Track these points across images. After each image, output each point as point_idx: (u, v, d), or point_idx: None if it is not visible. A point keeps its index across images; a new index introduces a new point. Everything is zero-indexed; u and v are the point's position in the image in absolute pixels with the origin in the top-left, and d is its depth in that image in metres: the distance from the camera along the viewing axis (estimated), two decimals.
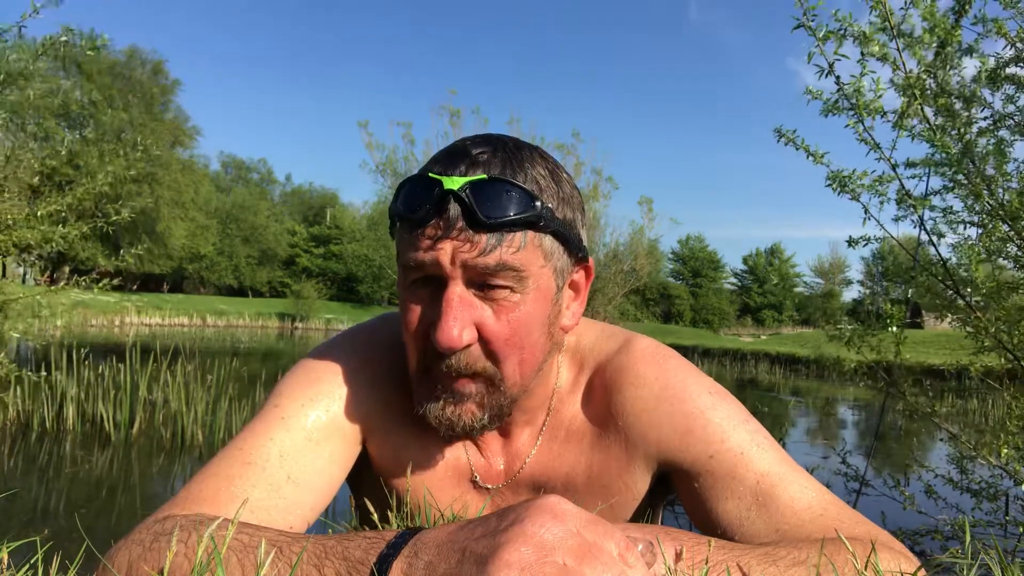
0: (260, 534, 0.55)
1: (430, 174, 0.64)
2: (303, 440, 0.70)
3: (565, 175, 0.70)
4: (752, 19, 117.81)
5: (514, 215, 0.62)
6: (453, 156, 0.65)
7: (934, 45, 2.06)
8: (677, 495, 0.76)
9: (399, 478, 0.76)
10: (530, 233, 0.64)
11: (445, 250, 0.62)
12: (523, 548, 0.41)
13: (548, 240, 0.66)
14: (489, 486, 0.77)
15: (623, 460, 0.74)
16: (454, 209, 0.61)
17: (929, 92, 2.12)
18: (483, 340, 0.65)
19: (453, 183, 0.61)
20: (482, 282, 0.64)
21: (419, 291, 0.66)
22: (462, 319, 0.63)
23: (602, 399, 0.76)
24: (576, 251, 0.70)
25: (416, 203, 0.63)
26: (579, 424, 0.77)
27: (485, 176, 0.62)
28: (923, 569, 0.62)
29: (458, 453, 0.78)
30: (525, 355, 0.67)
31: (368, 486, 0.79)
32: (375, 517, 0.73)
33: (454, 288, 0.63)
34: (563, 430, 0.77)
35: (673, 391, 0.73)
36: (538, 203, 0.64)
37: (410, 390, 0.72)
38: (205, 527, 0.55)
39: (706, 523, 0.70)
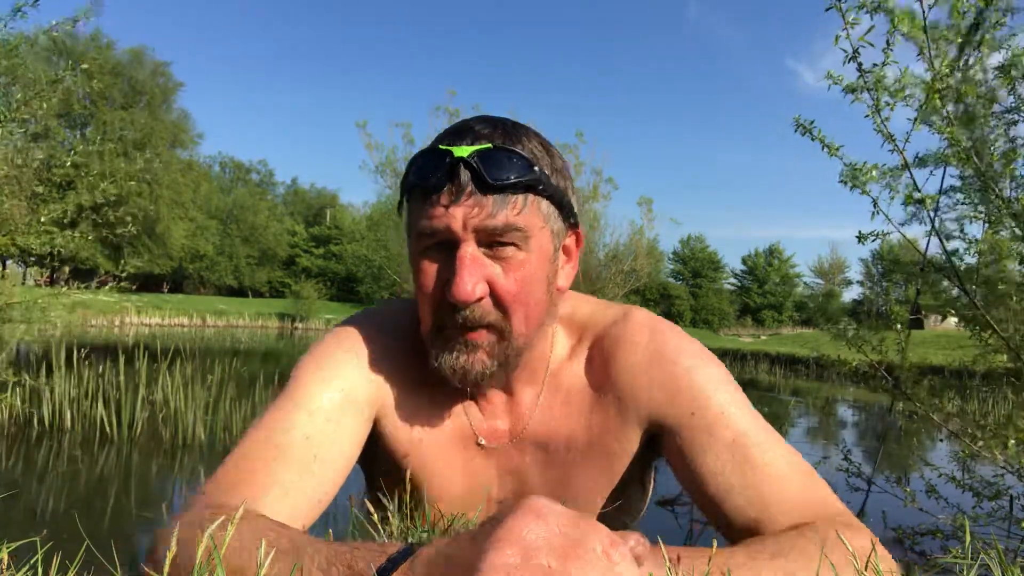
0: (286, 533, 0.58)
1: (440, 146, 0.70)
2: (323, 421, 0.74)
3: (555, 150, 0.77)
4: (751, 19, 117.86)
5: (516, 178, 0.69)
6: (459, 131, 0.72)
7: (959, 37, 2.05)
8: (664, 454, 0.80)
9: (407, 446, 0.81)
10: (531, 196, 0.71)
11: (457, 215, 0.68)
12: (508, 551, 0.42)
13: (545, 204, 0.73)
14: (494, 445, 0.81)
15: (619, 421, 0.79)
16: (464, 175, 0.68)
17: (952, 86, 2.11)
18: (493, 295, 0.71)
19: (462, 151, 0.68)
20: (491, 242, 0.70)
21: (433, 255, 0.72)
22: (475, 275, 0.69)
23: (599, 365, 0.81)
24: (569, 217, 0.77)
25: (429, 172, 0.69)
26: (578, 388, 0.81)
27: (490, 145, 0.69)
28: (880, 552, 0.66)
29: (462, 418, 0.82)
30: (530, 309, 0.73)
31: (379, 458, 0.83)
32: (376, 518, 0.74)
33: (466, 248, 0.69)
34: (563, 392, 0.82)
35: (663, 354, 0.79)
36: (536, 168, 0.71)
37: (415, 363, 0.79)
38: (247, 522, 0.59)
39: (687, 478, 0.76)
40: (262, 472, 0.69)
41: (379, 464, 0.83)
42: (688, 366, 0.79)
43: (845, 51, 2.03)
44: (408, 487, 0.81)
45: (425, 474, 0.81)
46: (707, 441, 0.75)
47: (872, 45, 1.99)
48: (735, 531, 0.73)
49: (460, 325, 0.72)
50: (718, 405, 0.77)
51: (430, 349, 0.75)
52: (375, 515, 0.73)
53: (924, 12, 2.05)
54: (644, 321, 0.83)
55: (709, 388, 0.78)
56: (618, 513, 0.83)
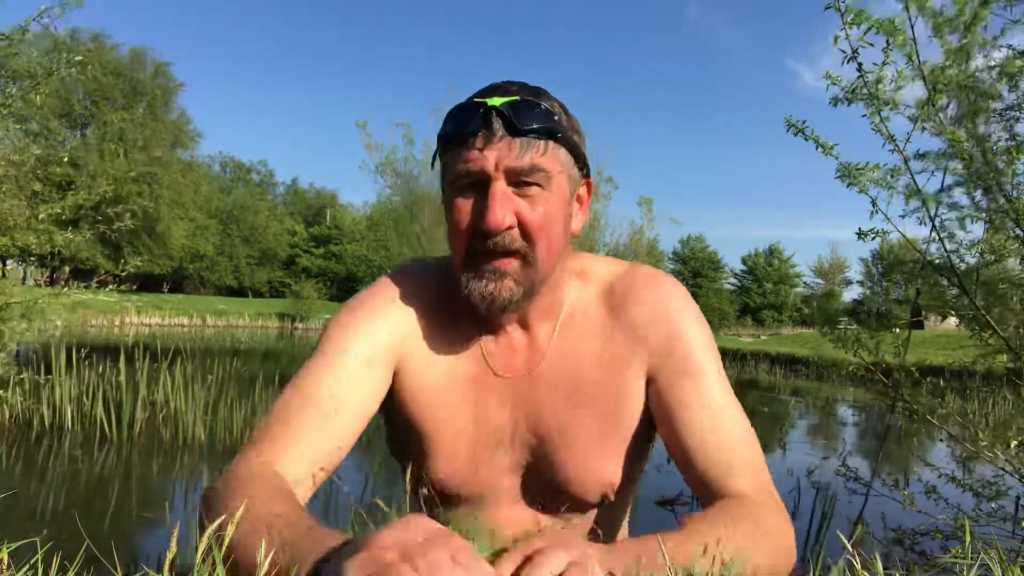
0: (284, 514, 0.64)
1: (474, 99, 0.81)
2: (346, 379, 0.83)
3: (571, 112, 0.88)
4: (751, 19, 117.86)
5: (539, 125, 0.79)
6: (490, 89, 0.83)
7: (959, 29, 2.05)
8: (651, 404, 0.87)
9: (427, 386, 0.88)
10: (552, 143, 0.81)
11: (489, 157, 0.78)
12: (364, 552, 0.48)
13: (563, 152, 0.83)
14: (509, 376, 0.88)
15: (624, 365, 0.87)
16: (496, 122, 0.78)
17: (952, 79, 2.11)
18: (520, 226, 0.80)
19: (495, 102, 0.79)
20: (518, 181, 0.79)
21: (467, 193, 0.81)
22: (506, 207, 0.78)
23: (608, 312, 0.89)
24: (582, 167, 0.87)
25: (465, 120, 0.79)
26: (590, 330, 0.89)
27: (518, 98, 0.80)
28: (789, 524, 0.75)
29: (480, 355, 0.89)
30: (551, 241, 0.82)
31: (401, 403, 0.89)
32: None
33: (497, 185, 0.79)
34: (576, 333, 0.89)
35: (666, 309, 0.88)
36: (557, 118, 0.81)
37: (435, 310, 0.89)
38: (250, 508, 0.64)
39: (668, 428, 0.84)
40: (293, 423, 0.80)
41: (401, 409, 0.89)
42: (685, 329, 0.87)
43: (844, 51, 2.03)
44: (426, 428, 0.88)
45: (441, 413, 0.87)
46: (690, 397, 0.84)
47: (871, 45, 1.99)
48: (699, 484, 0.81)
49: (490, 252, 0.80)
50: (703, 369, 0.85)
51: (460, 277, 0.83)
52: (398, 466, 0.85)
53: (911, 23, 2.04)
54: (650, 274, 0.92)
55: (698, 352, 0.86)
56: (618, 469, 0.88)
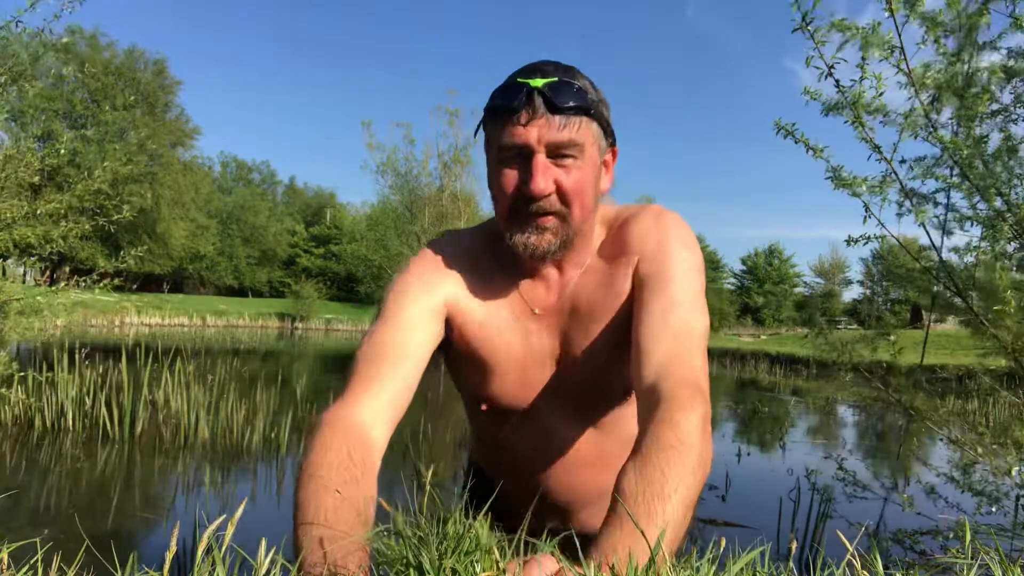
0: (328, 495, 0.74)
1: (518, 80, 0.92)
2: (406, 328, 0.96)
3: (598, 88, 0.99)
4: (749, 18, 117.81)
5: (575, 104, 0.90)
6: (531, 70, 0.93)
7: (958, 29, 2.05)
8: (633, 301, 1.01)
9: (477, 326, 1.03)
10: (585, 119, 0.92)
11: (532, 133, 0.90)
12: None
13: (595, 126, 0.95)
14: (544, 312, 1.04)
15: (628, 287, 1.02)
16: (538, 101, 0.89)
17: (943, 83, 2.11)
18: (558, 191, 0.93)
19: (536, 83, 0.90)
20: (556, 153, 0.91)
21: (512, 163, 0.93)
22: (547, 175, 0.91)
23: (621, 247, 1.03)
24: (609, 137, 0.99)
25: (511, 98, 0.91)
26: (605, 264, 1.04)
27: (557, 79, 0.91)
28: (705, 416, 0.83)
29: (520, 296, 1.04)
30: (584, 203, 0.95)
31: (457, 344, 1.05)
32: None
33: (539, 157, 0.91)
34: (596, 267, 1.04)
35: (658, 233, 1.02)
36: (590, 96, 0.93)
37: (481, 263, 1.04)
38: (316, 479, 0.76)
39: (634, 320, 0.96)
40: (371, 374, 0.92)
41: (458, 346, 1.05)
42: (673, 243, 1.01)
43: (819, 68, 2.03)
44: (480, 357, 1.05)
45: (491, 344, 1.04)
46: (657, 295, 0.96)
47: (846, 61, 1.99)
48: (638, 376, 0.91)
49: (533, 213, 0.93)
50: (677, 275, 0.98)
51: (506, 232, 0.96)
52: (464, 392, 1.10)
53: (898, 30, 2.04)
54: (655, 210, 1.06)
55: (679, 262, 0.99)
56: (621, 367, 1.04)
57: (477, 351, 1.04)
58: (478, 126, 0.99)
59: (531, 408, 1.08)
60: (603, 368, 1.04)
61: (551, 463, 1.12)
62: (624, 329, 1.01)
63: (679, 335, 0.91)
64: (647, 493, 0.71)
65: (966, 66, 2.15)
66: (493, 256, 1.04)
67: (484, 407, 1.08)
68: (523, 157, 0.92)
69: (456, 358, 1.08)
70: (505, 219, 0.96)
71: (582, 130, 0.92)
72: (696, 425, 0.79)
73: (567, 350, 1.05)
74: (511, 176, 0.93)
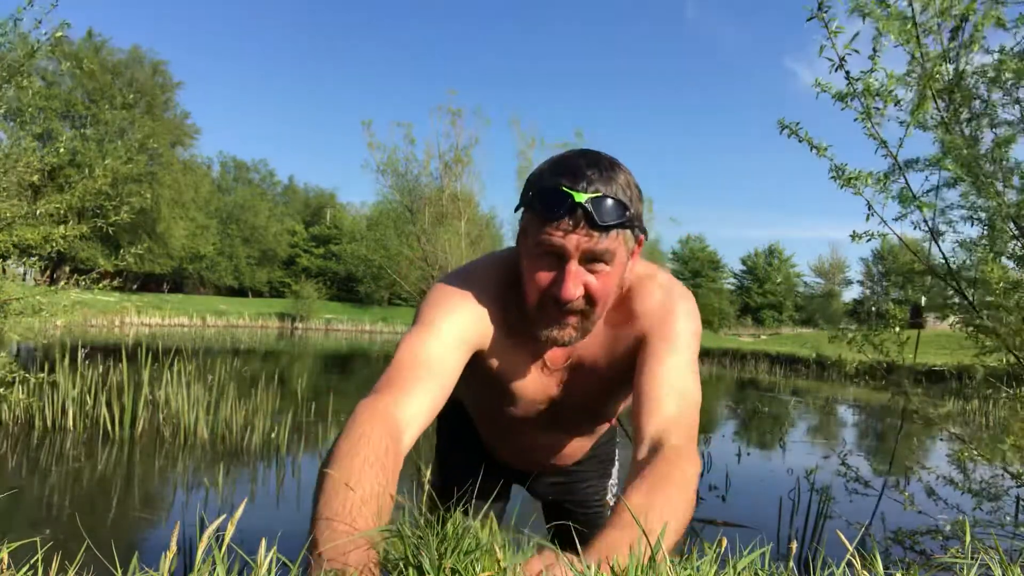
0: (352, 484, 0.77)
1: (563, 187, 0.94)
2: (443, 348, 1.00)
3: (634, 180, 1.02)
4: (748, 18, 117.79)
5: (615, 221, 0.94)
6: (575, 174, 0.96)
7: (950, 23, 2.05)
8: (636, 357, 1.10)
9: (497, 369, 1.13)
10: (622, 230, 0.98)
11: (571, 240, 0.94)
12: None
13: (629, 233, 1.00)
14: (556, 367, 1.15)
15: (632, 349, 1.10)
16: (579, 213, 0.93)
17: (943, 81, 2.11)
18: (586, 294, 0.98)
19: (580, 197, 0.93)
20: (589, 258, 0.97)
21: (546, 260, 0.98)
22: (578, 283, 0.96)
23: (629, 311, 1.10)
24: (640, 233, 1.04)
25: (554, 206, 0.94)
26: (612, 328, 1.11)
27: (600, 193, 0.94)
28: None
29: (537, 352, 1.13)
30: (607, 302, 1.03)
31: (474, 382, 1.15)
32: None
33: (573, 263, 0.96)
34: (604, 332, 1.11)
35: (667, 303, 1.09)
36: (629, 211, 0.96)
37: (507, 312, 1.09)
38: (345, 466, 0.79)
39: (637, 373, 1.05)
40: (416, 376, 0.95)
41: (469, 374, 1.10)
42: (679, 311, 1.09)
43: (831, 60, 2.03)
44: (488, 389, 1.17)
45: (502, 385, 1.15)
46: (662, 356, 1.04)
47: (858, 52, 1.99)
48: (639, 424, 1.00)
49: (560, 311, 1.00)
50: (680, 342, 1.07)
51: (532, 319, 1.03)
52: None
53: (914, 14, 2.04)
54: (663, 282, 1.12)
55: (683, 330, 1.08)
56: (617, 409, 1.27)
57: (489, 386, 1.16)
58: (518, 206, 1.04)
59: (521, 425, 1.24)
60: (592, 409, 1.24)
61: (523, 452, 1.35)
62: (620, 382, 1.15)
63: (684, 395, 1.02)
64: (650, 513, 0.80)
65: (970, 65, 2.15)
66: (516, 309, 1.08)
67: (492, 411, 1.23)
68: (558, 258, 0.97)
69: (466, 380, 1.12)
70: (533, 308, 1.03)
71: (617, 240, 0.97)
72: (695, 476, 0.92)
73: (566, 395, 1.18)
74: (545, 275, 0.99)
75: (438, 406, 0.97)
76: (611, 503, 1.49)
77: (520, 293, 1.07)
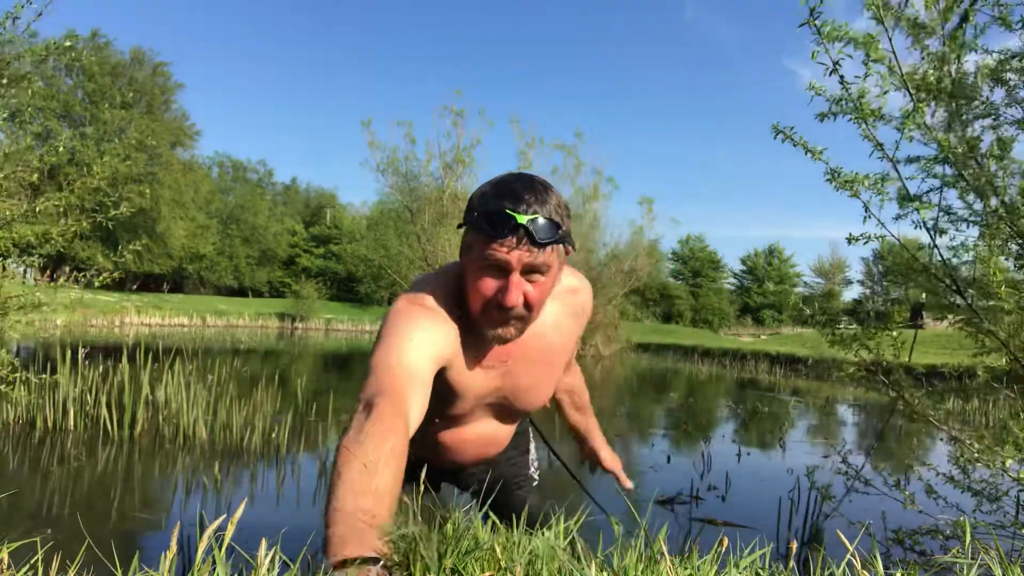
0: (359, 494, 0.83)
1: (507, 210, 1.10)
2: (421, 357, 1.10)
3: (562, 199, 1.18)
4: (748, 19, 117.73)
5: (551, 238, 1.11)
6: (516, 198, 1.11)
7: (940, 32, 2.05)
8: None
9: (451, 372, 1.25)
10: (556, 246, 1.14)
11: (513, 256, 1.10)
12: None
13: (560, 247, 1.17)
14: (503, 361, 1.31)
15: (571, 332, 1.42)
16: (522, 232, 1.09)
17: (933, 85, 2.12)
18: (525, 300, 1.14)
19: (522, 219, 1.09)
20: (528, 270, 1.13)
21: (491, 272, 1.13)
22: (519, 291, 1.12)
23: (562, 308, 1.37)
24: (569, 246, 1.20)
25: (499, 226, 1.09)
26: (549, 324, 1.34)
27: (538, 215, 1.10)
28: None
29: (484, 355, 1.28)
30: (543, 305, 1.20)
31: (440, 384, 1.25)
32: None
33: (515, 275, 1.12)
34: (543, 324, 1.33)
35: (589, 303, 1.43)
36: (562, 230, 1.13)
37: (463, 322, 1.22)
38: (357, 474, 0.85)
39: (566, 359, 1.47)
40: (400, 395, 1.02)
41: (441, 385, 1.25)
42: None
43: (824, 64, 2.03)
44: (447, 392, 1.28)
45: (460, 387, 1.28)
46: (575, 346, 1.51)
47: (851, 57, 1.99)
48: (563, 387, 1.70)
49: (502, 316, 1.16)
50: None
51: (477, 322, 1.19)
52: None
53: (889, 36, 2.04)
54: (584, 285, 1.43)
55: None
56: (552, 391, 1.50)
57: (448, 389, 1.28)
58: (466, 227, 1.18)
59: (474, 419, 1.41)
60: (533, 396, 1.42)
61: (474, 446, 1.48)
62: (557, 369, 1.42)
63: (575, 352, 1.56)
64: (592, 421, 1.76)
65: (952, 68, 2.15)
66: (465, 316, 1.23)
67: (438, 420, 1.35)
68: (501, 271, 1.13)
69: (435, 392, 1.28)
70: (478, 314, 1.18)
71: (552, 254, 1.14)
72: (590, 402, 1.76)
73: (513, 386, 1.37)
74: (490, 284, 1.14)
75: (423, 411, 1.06)
76: (535, 476, 1.73)
77: (465, 305, 1.21)
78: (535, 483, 1.70)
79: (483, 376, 1.31)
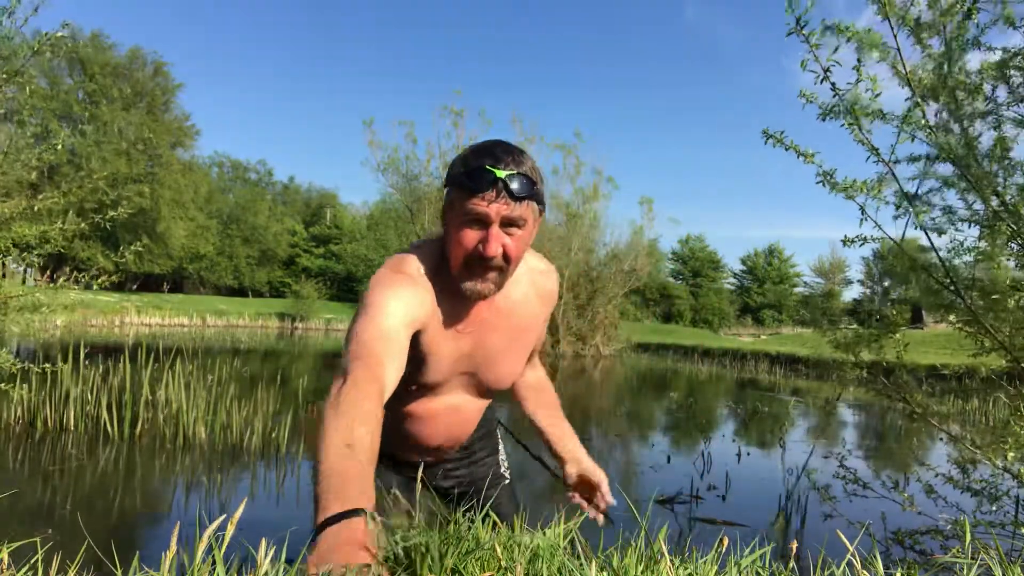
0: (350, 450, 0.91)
1: (487, 167, 1.18)
2: (396, 323, 1.17)
3: (535, 164, 1.27)
4: (747, 18, 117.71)
5: (527, 193, 1.20)
6: (495, 157, 1.20)
7: (944, 30, 2.05)
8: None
9: (426, 337, 1.31)
10: (530, 201, 1.23)
11: (492, 209, 1.19)
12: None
13: (535, 205, 1.26)
14: (476, 324, 1.36)
15: (540, 316, 1.49)
16: (501, 186, 1.18)
17: (935, 82, 2.11)
18: (504, 252, 1.22)
19: (501, 173, 1.18)
20: (507, 224, 1.21)
21: (472, 226, 1.21)
22: (499, 242, 1.20)
23: (544, 292, 1.48)
24: (542, 207, 1.30)
25: (479, 181, 1.18)
26: (521, 299, 1.43)
27: (516, 171, 1.19)
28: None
29: (462, 317, 1.34)
30: (520, 259, 1.27)
31: (416, 347, 1.30)
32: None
33: (495, 227, 1.20)
34: (514, 299, 1.41)
35: (555, 289, 1.51)
36: (537, 186, 1.23)
37: (440, 287, 1.29)
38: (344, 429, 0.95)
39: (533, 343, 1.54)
40: (377, 362, 1.09)
41: (417, 348, 1.30)
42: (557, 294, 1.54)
43: (815, 72, 2.04)
44: (428, 357, 1.32)
45: (436, 349, 1.32)
46: (542, 331, 1.55)
47: (840, 64, 2.00)
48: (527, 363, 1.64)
49: (483, 267, 1.22)
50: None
51: (458, 277, 1.25)
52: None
53: (894, 31, 2.04)
54: (552, 270, 1.51)
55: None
56: (521, 369, 1.50)
57: (422, 353, 1.32)
58: (448, 187, 1.27)
59: (446, 390, 1.43)
60: (506, 371, 1.45)
61: (447, 423, 1.49)
62: (527, 346, 1.48)
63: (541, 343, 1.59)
64: (563, 424, 1.66)
65: (954, 67, 2.15)
66: (441, 282, 1.30)
67: (414, 388, 1.38)
68: (481, 224, 1.21)
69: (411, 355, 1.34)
70: (459, 267, 1.24)
71: (527, 209, 1.23)
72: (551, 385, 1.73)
73: (484, 354, 1.41)
74: (471, 236, 1.21)
75: (399, 376, 1.14)
76: (507, 475, 1.73)
77: (444, 270, 1.29)
78: (507, 481, 1.72)
79: (457, 341, 1.35)
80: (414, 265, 1.31)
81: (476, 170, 1.19)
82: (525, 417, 1.69)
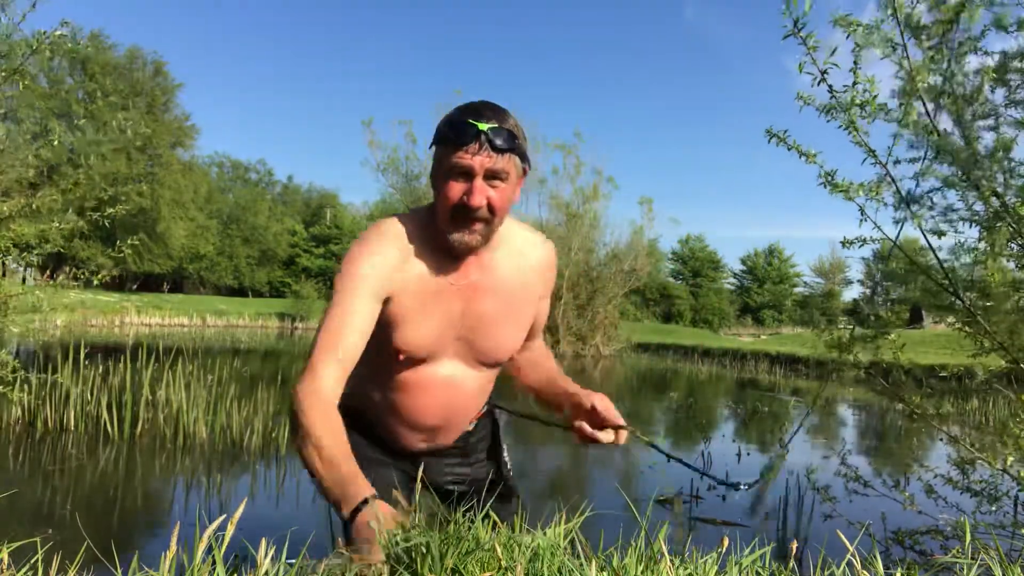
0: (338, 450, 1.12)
1: (469, 120, 1.23)
2: (361, 301, 1.26)
3: (518, 122, 1.30)
4: (748, 18, 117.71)
5: (509, 146, 1.24)
6: (476, 111, 1.25)
7: (941, 31, 2.05)
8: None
9: (411, 297, 1.32)
10: (512, 155, 1.26)
11: (476, 161, 1.23)
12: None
13: (517, 159, 1.29)
14: (462, 282, 1.36)
15: (532, 286, 1.46)
16: (483, 140, 1.22)
17: (933, 85, 2.11)
18: (488, 204, 1.25)
19: (483, 127, 1.22)
20: (490, 176, 1.25)
21: (457, 179, 1.25)
22: (483, 194, 1.24)
23: (523, 257, 1.45)
24: (526, 165, 1.33)
25: (463, 134, 1.22)
26: (513, 263, 1.42)
27: (496, 125, 1.24)
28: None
29: (445, 277, 1.35)
30: (504, 211, 1.31)
31: (395, 309, 1.33)
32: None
33: (479, 179, 1.24)
34: (505, 263, 1.41)
35: (552, 261, 1.51)
36: (518, 140, 1.27)
37: (419, 251, 1.33)
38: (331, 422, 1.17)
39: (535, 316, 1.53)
40: (339, 344, 1.23)
41: (388, 312, 1.33)
42: (555, 270, 1.55)
43: (812, 74, 2.04)
44: (411, 318, 1.32)
45: (419, 310, 1.33)
46: (544, 305, 1.55)
47: (838, 66, 2.00)
48: (528, 338, 1.55)
49: (469, 219, 1.26)
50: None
51: (445, 229, 1.28)
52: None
53: (900, 24, 2.04)
54: (548, 244, 1.52)
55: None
56: (518, 343, 1.48)
57: (407, 316, 1.33)
58: (431, 144, 1.31)
59: (439, 359, 1.40)
60: (501, 340, 1.42)
61: (444, 397, 1.44)
62: (522, 316, 1.45)
63: (543, 324, 1.59)
64: (566, 379, 1.54)
65: (953, 67, 2.15)
66: (426, 241, 1.33)
67: (402, 357, 1.36)
68: (466, 176, 1.25)
69: (386, 319, 1.34)
70: (446, 220, 1.28)
71: (510, 162, 1.26)
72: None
73: (477, 320, 1.39)
74: (456, 189, 1.25)
75: (355, 359, 1.24)
76: (510, 479, 1.65)
77: (432, 229, 1.32)
78: (511, 487, 1.63)
79: (447, 302, 1.35)
80: (397, 226, 1.35)
81: (459, 124, 1.24)
82: (523, 391, 1.61)
